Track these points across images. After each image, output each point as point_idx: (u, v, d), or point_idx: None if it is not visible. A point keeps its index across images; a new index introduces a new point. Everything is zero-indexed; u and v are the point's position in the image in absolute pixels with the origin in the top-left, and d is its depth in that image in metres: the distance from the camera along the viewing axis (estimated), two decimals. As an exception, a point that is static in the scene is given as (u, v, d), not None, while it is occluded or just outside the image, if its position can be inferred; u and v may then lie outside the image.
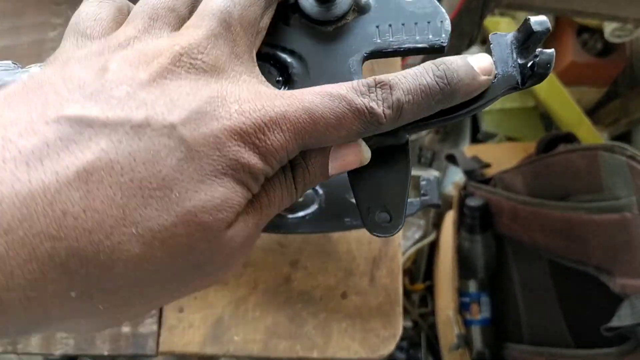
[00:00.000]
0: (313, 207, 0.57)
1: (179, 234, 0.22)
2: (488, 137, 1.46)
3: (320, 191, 0.58)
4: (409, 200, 0.37)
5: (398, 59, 0.68)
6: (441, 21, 0.30)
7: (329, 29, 0.31)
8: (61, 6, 0.68)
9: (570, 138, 1.03)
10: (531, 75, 0.28)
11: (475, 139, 1.49)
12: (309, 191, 0.58)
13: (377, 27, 0.31)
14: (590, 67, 1.40)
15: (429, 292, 1.37)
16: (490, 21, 1.36)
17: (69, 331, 0.22)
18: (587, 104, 1.51)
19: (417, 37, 0.30)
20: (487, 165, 1.23)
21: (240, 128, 0.24)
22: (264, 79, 0.28)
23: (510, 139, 1.47)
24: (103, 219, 0.20)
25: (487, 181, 1.15)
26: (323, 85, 0.26)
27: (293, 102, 0.25)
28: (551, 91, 1.40)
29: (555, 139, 1.04)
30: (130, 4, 0.30)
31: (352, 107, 0.25)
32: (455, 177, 1.30)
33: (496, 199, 1.06)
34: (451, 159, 1.24)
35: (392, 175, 0.30)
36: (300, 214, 0.57)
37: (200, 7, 0.27)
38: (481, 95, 0.29)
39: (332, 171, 0.29)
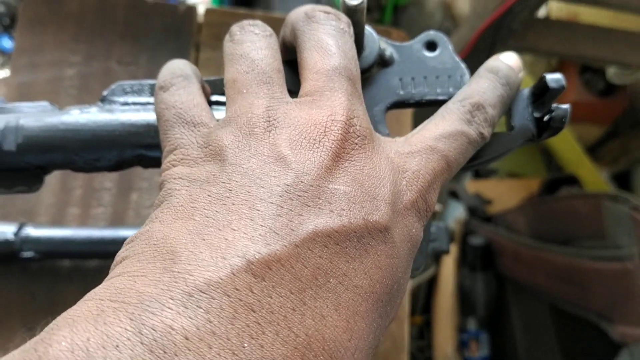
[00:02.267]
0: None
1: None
2: (489, 173, 1.47)
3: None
4: None
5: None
6: (461, 75, 0.32)
7: None
8: (80, 45, 0.69)
9: (572, 180, 1.05)
10: (547, 129, 0.30)
11: (476, 174, 1.50)
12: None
13: (401, 79, 0.32)
14: (592, 106, 1.42)
15: (427, 326, 1.37)
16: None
17: None
18: (588, 141, 1.52)
19: (438, 90, 0.32)
20: (489, 202, 1.24)
21: (417, 206, 0.24)
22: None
23: (511, 175, 1.48)
24: (365, 345, 0.20)
25: (489, 219, 1.16)
26: (436, 122, 0.27)
27: (433, 155, 0.25)
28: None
29: (557, 180, 1.05)
30: (197, 71, 0.29)
31: (470, 140, 0.27)
32: (456, 211, 1.31)
33: (498, 239, 1.06)
34: (453, 195, 1.25)
35: None
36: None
37: (316, 66, 0.25)
38: (499, 147, 0.30)
39: None
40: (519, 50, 1.06)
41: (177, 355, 0.15)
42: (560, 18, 1.22)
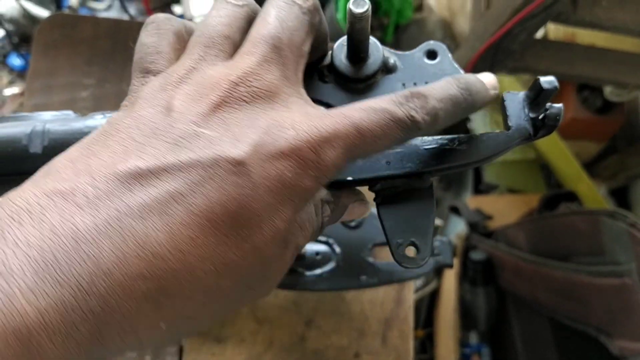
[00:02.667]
0: (330, 265, 0.60)
1: (245, 266, 0.24)
2: (490, 189, 1.49)
3: (338, 250, 0.60)
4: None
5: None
6: None
7: (360, 86, 0.35)
8: (93, 67, 0.72)
9: (571, 197, 1.07)
10: (542, 127, 0.32)
11: (477, 190, 1.52)
12: (326, 249, 0.60)
13: (403, 84, 0.34)
14: (589, 123, 1.44)
15: (429, 339, 1.38)
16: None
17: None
18: (586, 157, 1.55)
19: None
20: (490, 218, 1.26)
21: (299, 154, 0.25)
22: (309, 98, 0.29)
23: (511, 190, 1.50)
24: (187, 259, 0.22)
25: (489, 234, 1.18)
26: (364, 101, 0.27)
27: (341, 119, 0.26)
28: (551, 145, 1.43)
29: (556, 196, 1.07)
30: (188, 23, 0.32)
31: (394, 118, 0.27)
32: (457, 226, 1.33)
33: (499, 254, 1.08)
34: (454, 210, 1.27)
35: (418, 213, 0.33)
36: (318, 271, 0.59)
37: (252, 33, 0.28)
38: (498, 145, 0.32)
39: (343, 217, 0.33)
40: (518, 70, 1.08)
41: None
42: (558, 38, 1.25)
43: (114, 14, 1.58)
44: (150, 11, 1.37)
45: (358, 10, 0.30)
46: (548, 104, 0.31)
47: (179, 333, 0.25)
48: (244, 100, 0.26)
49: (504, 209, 1.31)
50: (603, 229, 0.84)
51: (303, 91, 0.29)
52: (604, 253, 0.84)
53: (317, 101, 0.33)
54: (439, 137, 0.33)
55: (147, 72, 0.28)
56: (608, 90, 1.37)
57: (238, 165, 0.23)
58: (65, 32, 0.72)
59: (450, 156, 0.32)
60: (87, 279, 0.20)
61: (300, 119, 0.26)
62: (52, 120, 0.32)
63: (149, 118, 0.25)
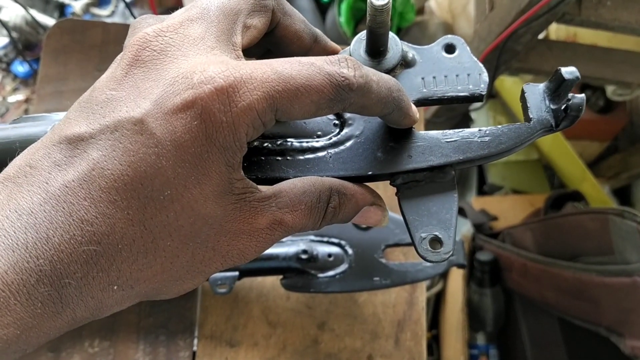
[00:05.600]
0: (343, 267, 0.60)
1: (184, 225, 0.25)
2: (494, 189, 1.49)
3: (350, 251, 0.60)
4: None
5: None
6: (479, 73, 0.34)
7: None
8: (103, 72, 0.71)
9: (577, 196, 1.07)
10: (564, 118, 0.31)
11: (481, 191, 1.52)
12: (339, 251, 0.60)
13: (423, 78, 0.34)
14: (592, 123, 1.45)
15: (435, 341, 1.38)
16: (497, 79, 1.41)
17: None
18: (589, 157, 1.55)
19: (459, 87, 0.34)
20: (495, 218, 1.26)
21: (205, 101, 0.23)
22: (240, 57, 0.28)
23: (515, 191, 1.50)
24: (114, 223, 0.23)
25: (495, 235, 1.18)
26: (293, 57, 0.26)
27: (261, 65, 0.25)
28: (554, 145, 1.44)
29: (562, 196, 1.07)
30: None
31: (322, 72, 0.25)
32: (463, 227, 1.33)
33: (506, 255, 1.08)
34: (460, 211, 1.27)
35: (441, 206, 0.32)
36: (331, 273, 0.59)
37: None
38: (520, 137, 0.32)
39: (354, 220, 0.32)
40: (521, 71, 1.09)
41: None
42: (560, 39, 1.25)
43: (117, 20, 1.58)
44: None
45: (379, 2, 0.30)
46: (570, 94, 0.31)
47: (139, 294, 0.26)
48: (157, 53, 0.25)
49: (508, 210, 1.31)
50: (612, 227, 0.84)
51: (234, 54, 0.28)
52: (614, 252, 0.85)
53: None
54: (459, 130, 0.33)
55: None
56: (610, 90, 1.38)
57: (139, 124, 0.24)
58: (75, 37, 0.73)
59: (472, 148, 0.32)
60: (32, 244, 0.22)
61: (214, 64, 0.25)
62: None
63: (89, 90, 0.26)
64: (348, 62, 0.26)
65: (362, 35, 0.34)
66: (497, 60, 1.00)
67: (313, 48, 0.33)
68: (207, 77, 0.24)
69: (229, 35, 0.28)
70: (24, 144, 0.31)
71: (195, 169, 0.24)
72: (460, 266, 0.62)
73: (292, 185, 0.29)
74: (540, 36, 1.06)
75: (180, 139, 0.23)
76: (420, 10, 1.61)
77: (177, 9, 0.29)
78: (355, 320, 0.66)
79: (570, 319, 0.94)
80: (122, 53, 0.27)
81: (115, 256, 0.24)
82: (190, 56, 0.25)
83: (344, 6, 1.44)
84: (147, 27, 0.27)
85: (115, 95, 0.25)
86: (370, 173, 0.32)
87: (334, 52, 0.34)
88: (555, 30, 1.27)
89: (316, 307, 0.66)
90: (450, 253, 0.31)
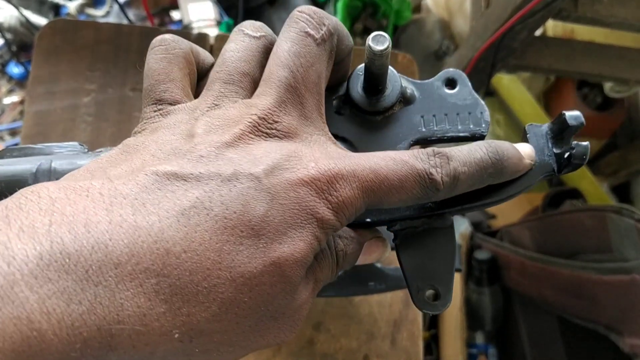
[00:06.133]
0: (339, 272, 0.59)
1: (264, 282, 0.24)
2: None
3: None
4: None
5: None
6: (481, 112, 0.33)
7: (378, 118, 0.33)
8: (95, 73, 0.71)
9: (575, 194, 1.06)
10: (567, 165, 0.31)
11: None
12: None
13: (422, 117, 0.33)
14: (590, 120, 1.43)
15: (434, 340, 1.38)
16: (495, 77, 1.41)
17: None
18: (587, 154, 1.54)
19: (460, 127, 0.33)
20: (493, 217, 1.26)
21: (316, 182, 0.25)
22: (332, 136, 0.29)
23: (513, 189, 1.49)
24: (202, 261, 0.22)
25: (493, 233, 1.17)
26: (386, 152, 0.27)
27: (361, 161, 0.26)
28: (553, 143, 1.43)
29: (560, 194, 1.07)
30: (194, 45, 0.31)
31: (413, 172, 0.27)
32: (461, 227, 1.32)
33: (504, 253, 1.08)
34: (458, 211, 1.26)
35: (439, 255, 0.32)
36: (325, 276, 0.59)
37: (266, 73, 0.28)
38: (521, 182, 0.31)
39: (359, 262, 0.32)
40: (519, 68, 1.08)
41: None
42: (557, 35, 1.25)
43: (112, 20, 1.57)
44: (150, 16, 1.36)
45: (378, 47, 0.29)
46: (574, 142, 0.30)
47: (192, 352, 0.23)
48: (265, 139, 0.26)
49: (506, 208, 1.30)
50: (610, 225, 0.83)
51: (326, 129, 0.29)
52: (612, 250, 0.84)
53: (333, 135, 0.32)
54: None
55: (161, 100, 0.29)
56: (608, 87, 1.37)
57: (257, 180, 0.24)
58: (66, 37, 0.72)
59: (471, 195, 0.31)
60: (96, 267, 0.19)
61: (320, 156, 0.26)
62: (58, 156, 0.30)
63: (171, 141, 0.26)
64: (437, 160, 0.27)
65: (360, 69, 0.33)
66: (494, 57, 0.99)
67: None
68: (320, 165, 0.26)
69: (318, 110, 0.29)
70: (9, 185, 0.29)
71: (296, 233, 0.25)
72: (456, 270, 0.61)
73: None
74: (537, 33, 1.06)
75: (291, 205, 0.24)
76: (417, 8, 1.61)
77: (172, 8, 0.29)
78: (351, 320, 0.66)
79: (569, 317, 0.94)
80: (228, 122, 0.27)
81: (190, 298, 0.22)
82: (297, 144, 0.27)
83: (339, 5, 1.44)
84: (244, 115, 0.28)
85: (226, 154, 0.25)
86: (368, 220, 0.31)
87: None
88: (552, 27, 1.27)
89: (312, 308, 0.66)
90: (447, 305, 0.31)
